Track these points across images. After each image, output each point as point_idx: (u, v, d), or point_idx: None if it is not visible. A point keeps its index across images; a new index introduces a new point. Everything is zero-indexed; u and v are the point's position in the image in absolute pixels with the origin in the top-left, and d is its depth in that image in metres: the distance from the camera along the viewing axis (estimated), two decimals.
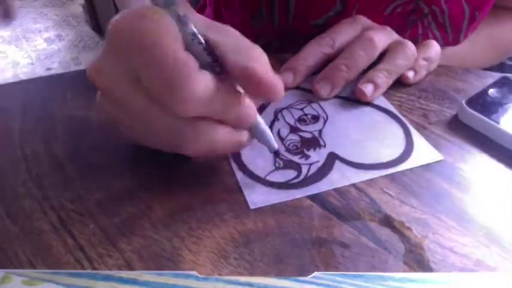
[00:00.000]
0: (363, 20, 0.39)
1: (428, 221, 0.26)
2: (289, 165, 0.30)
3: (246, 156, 0.31)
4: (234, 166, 0.30)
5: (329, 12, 0.44)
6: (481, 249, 0.25)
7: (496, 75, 0.38)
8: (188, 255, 0.24)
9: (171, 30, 0.23)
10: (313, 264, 0.24)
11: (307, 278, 0.23)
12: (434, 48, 0.39)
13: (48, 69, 1.84)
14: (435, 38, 0.47)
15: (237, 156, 0.31)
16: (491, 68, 0.56)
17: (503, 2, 0.51)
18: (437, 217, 0.27)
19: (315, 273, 0.23)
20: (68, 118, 0.34)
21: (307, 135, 0.33)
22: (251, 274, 0.23)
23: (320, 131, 0.33)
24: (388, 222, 0.26)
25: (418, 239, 0.25)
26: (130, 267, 0.24)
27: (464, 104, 0.34)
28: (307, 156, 0.31)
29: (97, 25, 2.03)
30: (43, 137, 0.32)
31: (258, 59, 0.24)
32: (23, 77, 1.76)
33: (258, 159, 0.30)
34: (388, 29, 0.39)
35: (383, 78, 0.36)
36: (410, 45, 0.37)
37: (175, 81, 0.23)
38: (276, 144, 0.29)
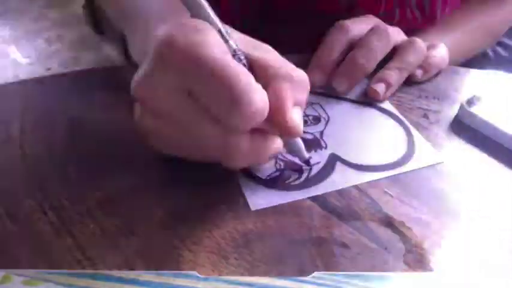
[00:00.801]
0: (375, 19, 0.40)
1: (429, 221, 0.26)
2: (290, 166, 0.30)
3: None
4: None
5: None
6: (481, 249, 0.25)
7: (496, 75, 0.38)
8: (188, 255, 0.24)
9: (222, 45, 0.24)
10: (313, 264, 0.24)
11: (307, 278, 0.23)
12: (443, 48, 0.40)
13: (48, 69, 1.84)
14: (412, 13, 0.47)
15: None
16: (489, 58, 0.57)
17: None
18: (437, 217, 0.27)
19: (315, 273, 0.23)
20: (68, 118, 0.34)
21: (309, 137, 0.32)
22: (251, 274, 0.23)
23: (321, 132, 0.33)
24: (388, 222, 0.26)
25: (418, 239, 0.25)
26: (130, 267, 0.24)
27: (464, 104, 0.34)
28: (309, 158, 0.31)
29: (97, 25, 2.02)
30: (43, 137, 0.32)
31: (297, 86, 0.25)
32: (23, 77, 1.76)
33: None
34: (398, 28, 0.39)
35: (394, 76, 0.36)
36: (419, 42, 0.38)
37: (238, 97, 0.22)
38: (306, 154, 0.29)
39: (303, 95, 0.26)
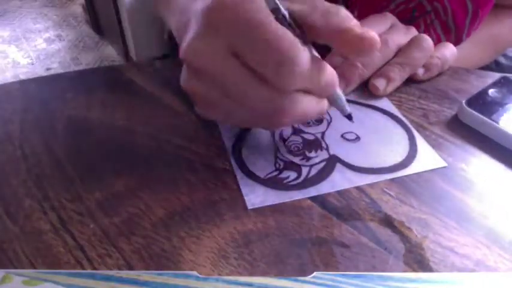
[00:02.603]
0: (392, 18, 0.40)
1: (428, 221, 0.26)
2: (289, 166, 0.30)
3: (247, 156, 0.31)
4: (234, 165, 0.30)
5: None
6: (481, 249, 0.25)
7: (496, 75, 0.38)
8: (188, 255, 0.24)
9: (266, 8, 0.24)
10: (313, 264, 0.24)
11: (307, 278, 0.23)
12: (450, 48, 0.40)
13: (48, 69, 1.84)
14: (437, 37, 0.47)
15: (237, 156, 0.31)
16: (490, 67, 0.57)
17: (500, 0, 0.51)
18: (437, 217, 0.27)
19: (315, 273, 0.23)
20: (68, 118, 0.34)
21: (310, 137, 0.32)
22: (251, 274, 0.23)
23: (323, 133, 0.33)
24: (388, 222, 0.26)
25: (418, 239, 0.25)
26: (130, 267, 0.24)
27: (464, 104, 0.33)
28: (308, 158, 0.31)
29: (97, 25, 2.03)
30: (43, 137, 0.33)
31: (349, 18, 0.26)
32: (23, 77, 1.76)
33: (259, 160, 0.30)
34: (413, 29, 0.39)
35: (396, 71, 0.36)
36: (426, 38, 0.38)
37: (285, 57, 0.23)
38: (348, 108, 0.30)
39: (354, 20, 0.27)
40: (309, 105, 0.27)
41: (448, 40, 0.48)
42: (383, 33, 0.39)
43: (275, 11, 0.25)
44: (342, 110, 0.30)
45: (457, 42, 0.48)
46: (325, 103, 0.29)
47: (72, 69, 1.75)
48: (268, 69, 0.24)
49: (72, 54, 1.93)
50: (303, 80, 0.25)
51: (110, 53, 1.93)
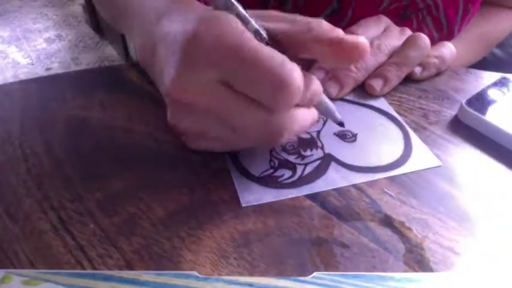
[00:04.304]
0: (386, 20, 0.40)
1: (428, 221, 0.26)
2: (284, 164, 0.30)
3: (242, 154, 0.31)
4: (230, 164, 0.30)
5: (326, 10, 0.44)
6: (481, 249, 0.25)
7: (496, 75, 0.38)
8: (188, 255, 0.24)
9: (245, 30, 0.24)
10: (313, 264, 0.24)
11: (307, 278, 0.23)
12: (448, 48, 0.40)
13: (48, 69, 1.84)
14: (430, 33, 0.47)
15: (233, 155, 0.31)
16: (488, 60, 0.57)
17: None
18: (437, 217, 0.27)
19: (315, 273, 0.23)
20: (68, 118, 0.34)
21: (305, 136, 0.32)
22: (251, 274, 0.23)
23: (318, 132, 0.33)
24: (388, 222, 0.26)
25: (418, 239, 0.25)
26: (130, 267, 0.24)
27: (464, 104, 0.33)
28: (303, 157, 0.31)
29: (97, 25, 2.03)
30: (43, 137, 0.32)
31: (334, 29, 0.26)
32: (23, 77, 1.76)
33: (254, 158, 0.30)
34: (407, 30, 0.40)
35: (393, 71, 0.36)
36: (423, 37, 0.38)
37: (280, 79, 0.23)
38: (339, 116, 0.30)
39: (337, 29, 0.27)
40: (304, 118, 0.27)
41: (440, 36, 0.48)
42: (376, 36, 0.39)
43: (255, 32, 0.25)
44: (332, 118, 0.30)
45: (449, 38, 0.48)
46: (315, 112, 0.29)
47: (72, 69, 1.75)
48: (264, 94, 0.24)
49: (72, 54, 1.93)
50: (299, 97, 0.24)
51: (110, 53, 1.93)
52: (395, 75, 0.36)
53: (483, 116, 0.32)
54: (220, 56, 0.23)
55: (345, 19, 0.45)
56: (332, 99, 0.36)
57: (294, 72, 0.23)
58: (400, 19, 0.46)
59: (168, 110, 0.27)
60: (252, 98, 0.24)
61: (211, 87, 0.24)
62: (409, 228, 0.26)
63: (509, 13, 0.55)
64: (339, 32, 0.26)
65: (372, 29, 0.39)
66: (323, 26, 0.26)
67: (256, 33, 0.25)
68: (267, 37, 0.26)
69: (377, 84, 0.36)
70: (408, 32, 0.40)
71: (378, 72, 0.37)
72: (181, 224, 0.26)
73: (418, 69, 0.38)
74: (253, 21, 0.25)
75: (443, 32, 0.48)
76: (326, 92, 0.36)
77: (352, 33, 0.38)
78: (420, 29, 0.47)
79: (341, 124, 0.31)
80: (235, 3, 0.25)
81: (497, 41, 0.56)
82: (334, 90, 0.36)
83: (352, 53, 0.26)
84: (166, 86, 0.25)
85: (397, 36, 0.39)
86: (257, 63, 0.23)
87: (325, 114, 0.31)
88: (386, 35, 0.39)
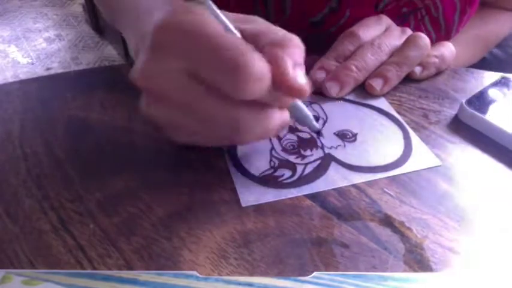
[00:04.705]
0: (387, 20, 0.40)
1: (428, 221, 0.26)
2: (284, 164, 0.30)
3: (242, 154, 0.31)
4: (230, 164, 0.30)
5: (324, 9, 0.44)
6: (481, 249, 0.25)
7: (496, 75, 0.38)
8: (188, 255, 0.24)
9: (214, 21, 0.24)
10: (313, 264, 0.24)
11: (307, 278, 0.23)
12: (448, 47, 0.40)
13: (48, 69, 1.84)
14: (428, 33, 0.47)
15: (233, 154, 0.31)
16: (488, 60, 0.57)
17: None
18: (437, 217, 0.27)
19: (315, 273, 0.23)
20: (68, 118, 0.34)
21: (305, 136, 0.32)
22: (251, 274, 0.23)
23: (318, 132, 0.33)
24: (388, 222, 0.26)
25: (418, 239, 0.25)
26: (130, 267, 0.24)
27: (464, 104, 0.33)
28: (303, 157, 0.31)
29: (97, 25, 2.03)
30: (43, 137, 0.32)
31: (293, 49, 0.25)
32: (23, 77, 1.76)
33: (254, 158, 0.30)
34: (408, 30, 0.40)
35: (393, 71, 0.36)
36: (423, 37, 0.38)
37: (240, 65, 0.22)
38: (316, 124, 0.30)
39: (300, 57, 0.26)
40: (275, 118, 0.26)
41: (438, 36, 0.48)
42: (377, 36, 0.39)
43: (225, 26, 0.25)
44: (309, 125, 0.30)
45: (446, 39, 0.48)
46: (287, 114, 0.28)
47: (72, 69, 1.75)
48: (223, 79, 0.23)
49: (72, 54, 1.93)
50: (261, 87, 0.23)
51: (110, 53, 1.93)
52: (395, 75, 0.37)
53: (483, 116, 0.32)
54: (186, 45, 0.24)
55: (343, 18, 0.45)
56: (333, 98, 0.36)
57: (257, 59, 0.23)
58: (398, 19, 0.46)
59: (142, 98, 0.27)
60: (214, 88, 0.24)
61: (176, 76, 0.24)
62: (409, 228, 0.26)
63: (508, 15, 0.55)
64: (286, 67, 0.25)
65: (373, 29, 0.39)
66: (281, 53, 0.25)
67: (226, 29, 0.25)
68: (236, 32, 0.25)
69: (377, 83, 0.36)
70: (409, 32, 0.40)
71: (378, 71, 0.37)
72: (181, 224, 0.26)
73: (418, 69, 0.38)
74: (222, 16, 0.25)
75: (441, 32, 0.48)
76: (327, 91, 0.36)
77: (353, 33, 0.39)
78: (418, 29, 0.47)
79: (318, 132, 0.32)
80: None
81: (496, 42, 0.57)
82: (334, 90, 0.36)
83: (286, 90, 0.25)
84: (133, 74, 0.26)
85: (398, 36, 0.39)
86: (219, 49, 0.23)
87: (301, 121, 0.30)
88: (387, 35, 0.39)
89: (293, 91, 0.25)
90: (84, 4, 2.03)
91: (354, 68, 0.36)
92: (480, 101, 0.34)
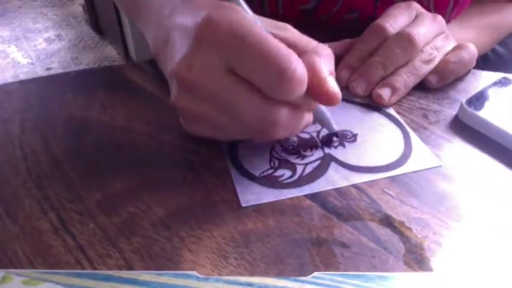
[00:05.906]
0: (417, 7, 0.39)
1: (429, 221, 0.26)
2: (284, 164, 0.30)
3: (242, 154, 0.31)
4: (229, 164, 0.30)
5: None
6: (481, 249, 0.25)
7: (496, 75, 0.38)
8: (188, 255, 0.24)
9: (255, 22, 0.25)
10: (313, 264, 0.24)
11: (307, 278, 0.23)
12: (468, 50, 0.38)
13: (48, 69, 1.84)
14: None
15: (233, 154, 0.31)
16: (488, 56, 0.57)
17: None
18: (437, 217, 0.27)
19: (315, 273, 0.23)
20: (68, 118, 0.34)
21: (305, 136, 0.32)
22: (251, 274, 0.23)
23: (318, 132, 0.33)
24: (388, 222, 0.26)
25: (418, 239, 0.25)
26: (130, 267, 0.24)
27: (464, 104, 0.33)
28: (303, 157, 0.31)
29: (97, 25, 2.03)
30: (43, 137, 0.33)
31: (326, 58, 0.27)
32: (23, 77, 1.76)
33: (254, 158, 0.30)
34: (439, 18, 0.38)
35: (401, 81, 0.35)
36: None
37: (284, 67, 0.24)
38: (335, 125, 0.32)
39: (331, 66, 0.28)
40: (300, 117, 0.28)
41: None
42: (407, 25, 0.37)
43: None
44: (328, 127, 0.32)
45: None
46: (311, 117, 0.29)
47: (72, 69, 1.75)
48: (265, 80, 0.24)
49: (72, 54, 1.93)
50: (300, 90, 0.25)
51: (110, 53, 1.93)
52: (403, 85, 0.35)
53: (483, 116, 0.32)
54: (229, 41, 0.24)
55: (336, 6, 0.44)
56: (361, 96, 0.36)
57: (299, 63, 0.24)
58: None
59: (172, 89, 0.28)
60: (253, 86, 0.25)
61: (216, 70, 0.25)
62: (409, 228, 0.26)
63: None
64: (324, 76, 0.26)
65: (402, 17, 0.37)
66: (318, 61, 0.26)
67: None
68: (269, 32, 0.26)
69: (385, 94, 0.35)
70: (440, 19, 0.38)
71: (386, 81, 0.35)
72: (181, 224, 0.26)
73: (434, 78, 0.37)
74: (258, 22, 0.26)
75: None
76: (353, 90, 0.36)
77: (380, 27, 0.37)
78: None
79: (336, 135, 0.32)
80: (242, 2, 0.27)
81: (507, 33, 0.55)
82: (361, 88, 0.36)
83: (321, 96, 0.27)
84: (173, 64, 0.26)
85: (429, 24, 0.37)
86: (264, 50, 0.24)
87: (322, 122, 0.32)
88: (418, 22, 0.37)
89: (327, 98, 0.26)
90: (84, 4, 2.03)
91: (379, 65, 0.35)
92: (480, 101, 0.34)
